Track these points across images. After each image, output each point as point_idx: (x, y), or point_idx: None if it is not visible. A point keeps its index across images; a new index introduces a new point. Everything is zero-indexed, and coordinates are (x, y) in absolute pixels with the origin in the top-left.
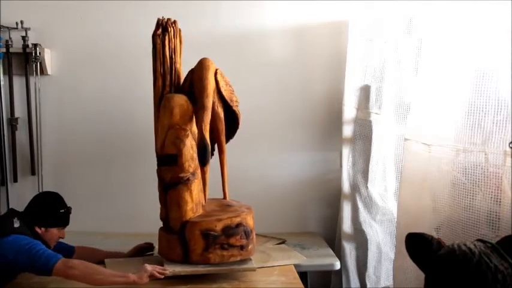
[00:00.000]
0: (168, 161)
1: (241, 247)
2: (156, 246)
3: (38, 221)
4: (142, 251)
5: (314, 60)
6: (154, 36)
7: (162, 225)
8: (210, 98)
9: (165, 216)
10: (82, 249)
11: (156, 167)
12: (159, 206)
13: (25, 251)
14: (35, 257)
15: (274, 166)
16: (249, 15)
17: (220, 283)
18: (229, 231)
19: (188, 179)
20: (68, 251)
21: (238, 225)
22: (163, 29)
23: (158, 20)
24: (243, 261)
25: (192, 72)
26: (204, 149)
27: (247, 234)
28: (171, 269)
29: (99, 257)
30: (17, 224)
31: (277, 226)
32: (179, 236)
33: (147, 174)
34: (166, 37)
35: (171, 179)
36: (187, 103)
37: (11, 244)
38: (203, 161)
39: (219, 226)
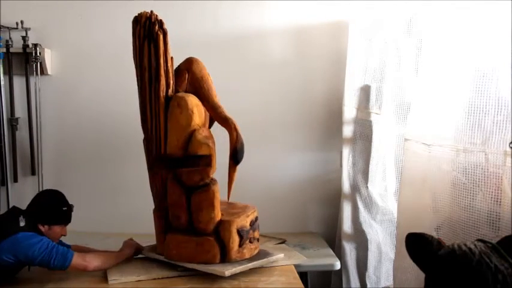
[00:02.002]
0: (198, 163)
1: (257, 239)
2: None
3: (42, 218)
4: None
5: (314, 61)
6: (150, 32)
7: (171, 230)
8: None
9: (187, 221)
10: (78, 248)
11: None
12: None
13: (39, 248)
14: (50, 254)
15: (274, 166)
16: (249, 15)
17: (220, 283)
18: (253, 225)
19: (213, 179)
20: None
21: (256, 218)
22: (160, 25)
23: (150, 15)
24: (263, 252)
25: (187, 72)
26: (242, 148)
27: (259, 227)
28: (229, 270)
29: None
30: (22, 223)
31: (277, 226)
32: (215, 237)
33: (148, 175)
34: (167, 34)
35: (199, 181)
36: (200, 103)
37: (20, 242)
38: (239, 160)
39: (248, 221)
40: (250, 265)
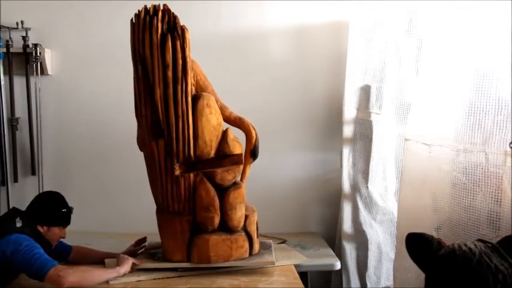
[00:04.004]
0: (232, 161)
1: None
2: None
3: (40, 220)
4: (135, 251)
5: (314, 61)
6: (173, 26)
7: (203, 231)
8: None
9: (220, 221)
10: (79, 248)
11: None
12: None
13: (23, 252)
14: (31, 260)
15: (274, 166)
16: (250, 15)
17: (220, 283)
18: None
19: None
20: (66, 250)
21: None
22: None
23: (167, 8)
24: (261, 242)
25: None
26: (258, 144)
27: None
28: (274, 259)
29: (94, 258)
30: (19, 224)
31: (277, 226)
32: (245, 232)
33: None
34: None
35: (232, 179)
36: None
37: (12, 243)
38: (257, 155)
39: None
40: (277, 244)
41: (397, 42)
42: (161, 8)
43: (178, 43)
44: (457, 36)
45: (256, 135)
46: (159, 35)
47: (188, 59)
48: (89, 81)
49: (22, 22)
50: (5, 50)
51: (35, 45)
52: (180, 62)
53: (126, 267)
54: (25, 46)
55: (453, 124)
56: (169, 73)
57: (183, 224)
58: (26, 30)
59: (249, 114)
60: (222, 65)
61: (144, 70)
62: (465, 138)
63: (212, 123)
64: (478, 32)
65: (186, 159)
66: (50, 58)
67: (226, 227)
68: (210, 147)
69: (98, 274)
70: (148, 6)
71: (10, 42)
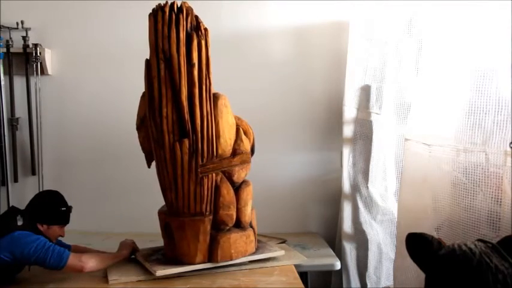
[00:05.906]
0: (246, 159)
1: None
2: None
3: (40, 218)
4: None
5: (314, 60)
6: (197, 25)
7: (221, 229)
8: None
9: (236, 217)
10: (77, 248)
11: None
12: (158, 206)
13: (34, 248)
14: (47, 253)
15: (274, 166)
16: (250, 15)
17: (220, 283)
18: None
19: None
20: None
21: None
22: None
23: (188, 7)
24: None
25: None
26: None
27: None
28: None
29: None
30: (20, 222)
31: (277, 226)
32: (252, 227)
33: (148, 174)
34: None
35: (244, 176)
36: None
37: (18, 240)
38: (253, 153)
39: None
40: (277, 245)
41: (397, 42)
42: (185, 5)
43: (203, 42)
44: (457, 36)
45: (253, 134)
46: (184, 34)
47: (210, 59)
48: (89, 81)
49: (22, 22)
50: (5, 50)
51: (35, 45)
52: (205, 61)
53: (127, 250)
54: (25, 46)
55: (453, 124)
56: (195, 72)
57: (206, 224)
58: (26, 30)
59: (249, 114)
60: (222, 65)
61: (167, 69)
62: (465, 138)
63: (230, 123)
64: (478, 32)
65: (209, 158)
66: (50, 58)
67: (238, 224)
68: (230, 146)
69: (108, 258)
70: (155, 4)
71: (10, 42)
